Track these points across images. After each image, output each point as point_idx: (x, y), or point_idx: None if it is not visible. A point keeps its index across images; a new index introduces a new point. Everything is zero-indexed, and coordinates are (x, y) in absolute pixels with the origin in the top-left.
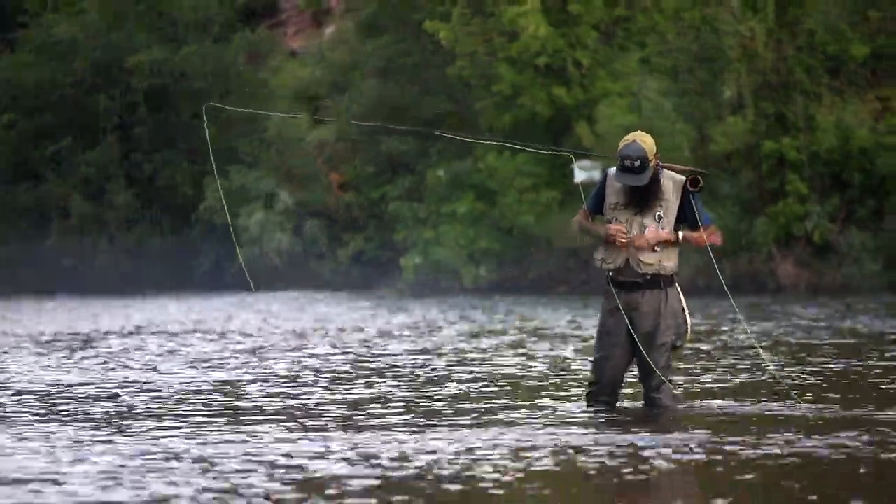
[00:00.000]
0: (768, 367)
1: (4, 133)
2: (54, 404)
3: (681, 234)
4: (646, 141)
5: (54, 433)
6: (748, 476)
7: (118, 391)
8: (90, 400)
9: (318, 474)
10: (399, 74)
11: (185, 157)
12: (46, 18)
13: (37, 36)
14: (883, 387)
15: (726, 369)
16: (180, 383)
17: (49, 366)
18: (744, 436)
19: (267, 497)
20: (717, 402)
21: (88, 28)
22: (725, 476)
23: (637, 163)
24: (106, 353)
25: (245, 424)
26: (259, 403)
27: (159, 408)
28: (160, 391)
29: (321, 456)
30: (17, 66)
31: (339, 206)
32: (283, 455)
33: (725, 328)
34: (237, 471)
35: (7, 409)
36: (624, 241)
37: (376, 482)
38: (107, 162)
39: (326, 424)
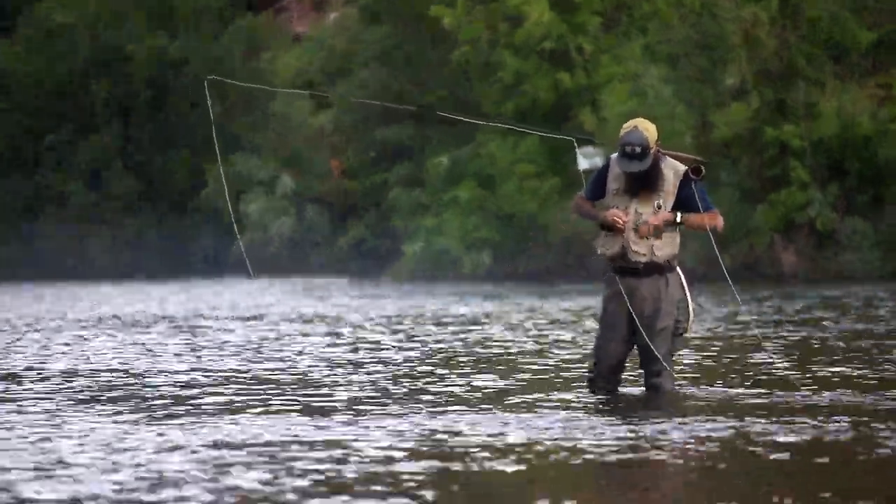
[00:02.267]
0: (768, 353)
1: (5, 116)
2: (114, 388)
3: (679, 215)
4: (647, 128)
5: (106, 422)
6: (751, 465)
7: (183, 378)
8: (166, 386)
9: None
10: (400, 62)
11: (185, 145)
12: (44, 7)
13: (34, 24)
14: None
15: (726, 356)
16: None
17: (100, 350)
18: (746, 421)
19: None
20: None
21: (86, 16)
22: (728, 464)
23: (638, 149)
24: (154, 337)
25: (315, 413)
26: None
27: (214, 394)
28: (211, 379)
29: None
30: (14, 54)
31: (339, 193)
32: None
33: (726, 315)
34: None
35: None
36: (621, 225)
37: (420, 469)
38: (106, 151)
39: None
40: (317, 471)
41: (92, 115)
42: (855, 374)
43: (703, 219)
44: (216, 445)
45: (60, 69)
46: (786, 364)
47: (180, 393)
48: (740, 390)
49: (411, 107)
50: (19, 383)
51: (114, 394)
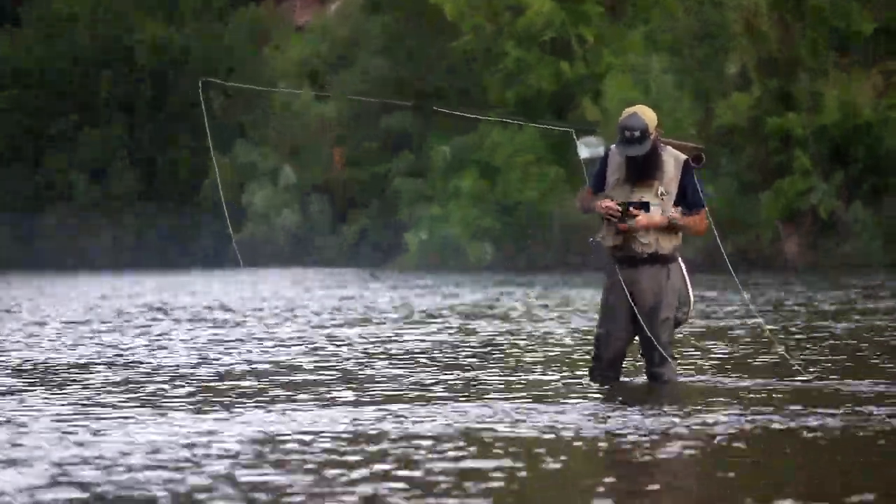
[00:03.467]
0: (775, 344)
1: (6, 112)
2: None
3: (671, 219)
4: (647, 113)
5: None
6: (751, 452)
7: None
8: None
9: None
10: (402, 52)
11: (189, 135)
12: (45, 0)
13: (39, 14)
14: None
15: (728, 346)
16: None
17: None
18: (749, 410)
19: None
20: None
21: (85, 15)
22: (729, 453)
23: (637, 133)
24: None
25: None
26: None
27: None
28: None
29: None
30: (18, 44)
31: (342, 183)
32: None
33: (729, 304)
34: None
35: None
36: (615, 220)
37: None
38: (110, 141)
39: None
40: (349, 463)
41: (94, 110)
42: (850, 363)
43: (690, 224)
44: (267, 438)
45: (61, 64)
46: (787, 353)
47: (224, 385)
48: (743, 380)
49: (408, 103)
50: (70, 377)
51: (163, 386)
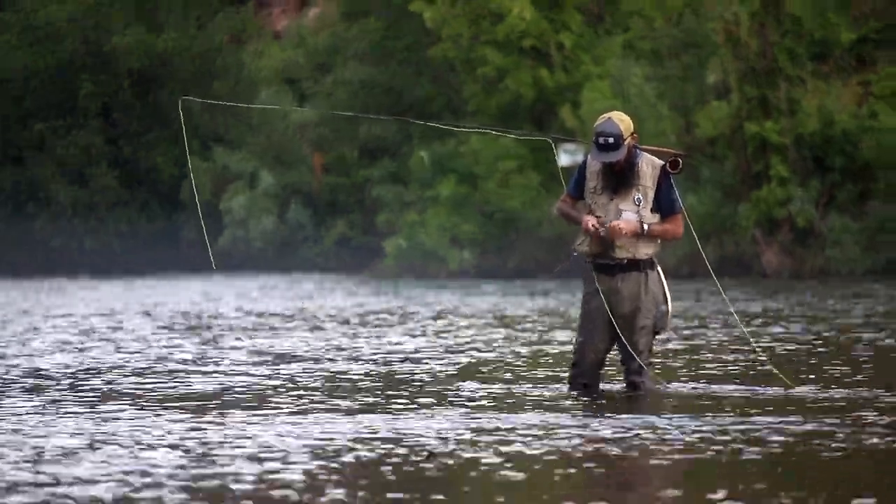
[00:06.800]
0: (756, 350)
1: None
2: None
3: (646, 227)
4: (622, 119)
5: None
6: (736, 460)
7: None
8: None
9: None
10: (384, 57)
11: (170, 139)
12: (29, 1)
13: (19, 19)
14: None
15: (708, 353)
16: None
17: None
18: (731, 418)
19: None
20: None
21: (72, 11)
22: (712, 461)
23: (611, 139)
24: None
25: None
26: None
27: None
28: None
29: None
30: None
31: (322, 189)
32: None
33: (708, 311)
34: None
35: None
36: (599, 233)
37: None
38: (91, 145)
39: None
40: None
41: (76, 111)
42: (836, 370)
43: (664, 232)
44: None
45: (44, 64)
46: (768, 359)
47: (244, 395)
48: (722, 386)
49: (387, 117)
50: (92, 383)
51: (183, 393)
